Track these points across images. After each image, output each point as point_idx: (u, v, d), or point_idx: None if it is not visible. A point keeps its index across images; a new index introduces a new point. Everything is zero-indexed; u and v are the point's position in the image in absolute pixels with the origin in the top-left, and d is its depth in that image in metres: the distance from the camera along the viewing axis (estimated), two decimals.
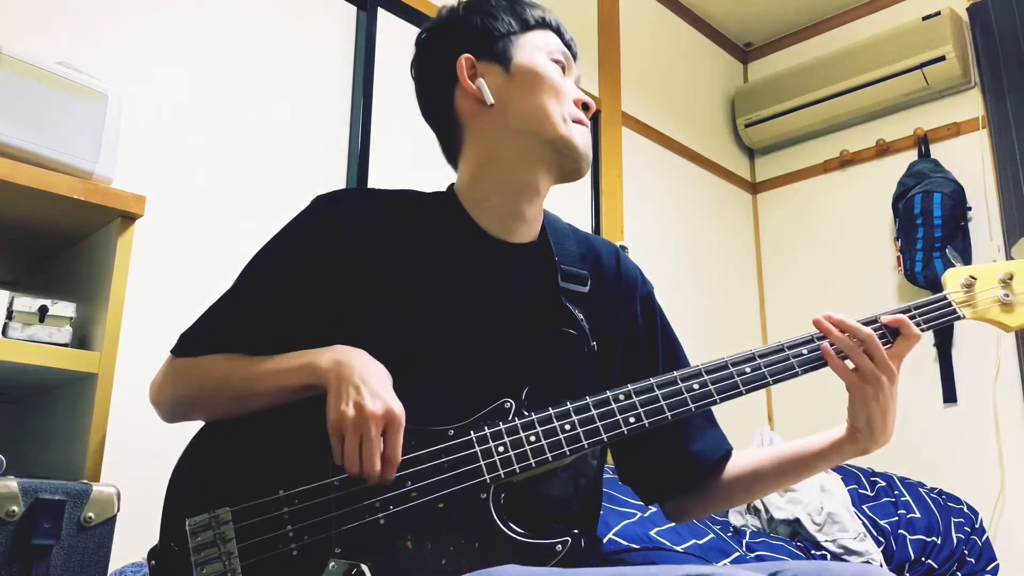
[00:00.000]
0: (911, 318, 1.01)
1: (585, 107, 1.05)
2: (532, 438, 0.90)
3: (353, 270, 0.99)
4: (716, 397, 0.95)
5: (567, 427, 0.91)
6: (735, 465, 1.08)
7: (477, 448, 0.89)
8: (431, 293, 0.99)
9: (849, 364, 0.98)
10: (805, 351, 0.99)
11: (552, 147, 1.03)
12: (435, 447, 0.89)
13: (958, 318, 1.05)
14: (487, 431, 0.90)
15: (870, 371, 0.96)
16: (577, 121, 1.04)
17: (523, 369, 0.94)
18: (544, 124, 1.02)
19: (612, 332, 1.07)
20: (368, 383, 0.87)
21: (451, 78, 1.06)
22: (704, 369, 0.96)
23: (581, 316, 1.01)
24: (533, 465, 0.89)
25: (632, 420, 0.92)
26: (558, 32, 1.10)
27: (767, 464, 1.06)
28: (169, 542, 0.86)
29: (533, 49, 1.05)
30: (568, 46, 1.09)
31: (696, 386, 0.95)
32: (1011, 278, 1.07)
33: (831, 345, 0.98)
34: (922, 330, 1.01)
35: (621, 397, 0.93)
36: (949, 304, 1.05)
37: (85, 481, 1.02)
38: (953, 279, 1.08)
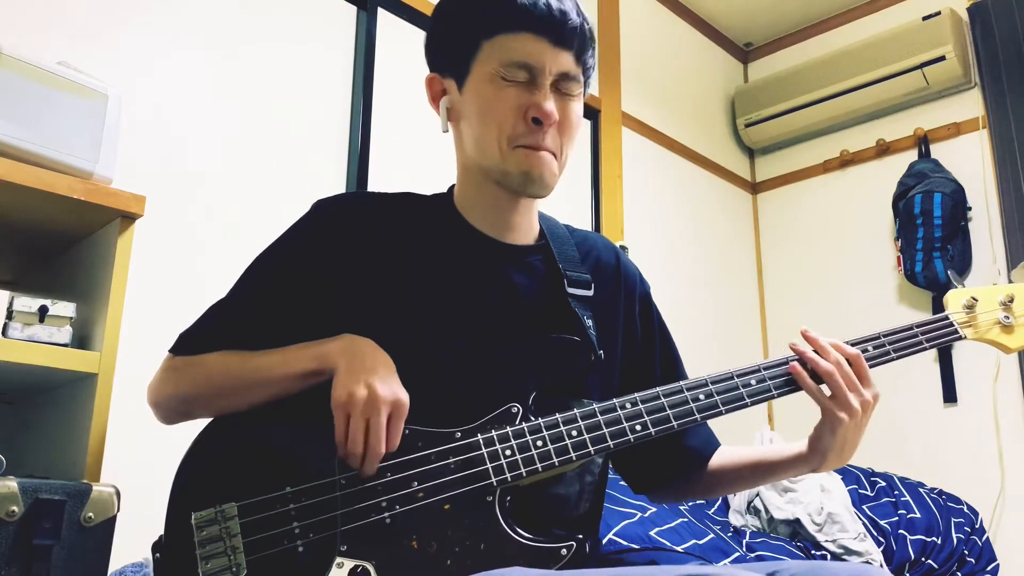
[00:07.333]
0: (913, 335, 1.04)
1: (538, 121, 0.94)
2: (539, 443, 0.90)
3: (354, 274, 0.99)
4: (722, 408, 0.96)
5: (574, 433, 0.91)
6: (719, 460, 1.11)
7: (484, 451, 0.89)
8: (432, 295, 0.99)
9: (825, 389, 0.98)
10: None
11: (496, 175, 0.99)
12: (442, 448, 0.89)
13: (960, 338, 1.07)
14: (494, 434, 0.90)
15: (843, 398, 0.96)
16: (526, 145, 0.95)
17: (530, 374, 0.94)
18: (484, 153, 0.98)
19: (614, 332, 1.07)
20: (378, 369, 0.88)
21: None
22: (710, 380, 0.97)
23: (590, 322, 1.01)
24: (539, 470, 0.89)
25: (638, 428, 0.93)
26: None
27: (746, 465, 1.10)
28: (174, 536, 0.86)
29: (487, 64, 0.96)
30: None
31: (702, 396, 0.96)
32: (1011, 300, 1.10)
33: (803, 366, 0.98)
34: (925, 348, 1.04)
35: (627, 405, 0.94)
36: (951, 324, 1.07)
37: (85, 481, 1.02)
38: (955, 300, 1.10)
